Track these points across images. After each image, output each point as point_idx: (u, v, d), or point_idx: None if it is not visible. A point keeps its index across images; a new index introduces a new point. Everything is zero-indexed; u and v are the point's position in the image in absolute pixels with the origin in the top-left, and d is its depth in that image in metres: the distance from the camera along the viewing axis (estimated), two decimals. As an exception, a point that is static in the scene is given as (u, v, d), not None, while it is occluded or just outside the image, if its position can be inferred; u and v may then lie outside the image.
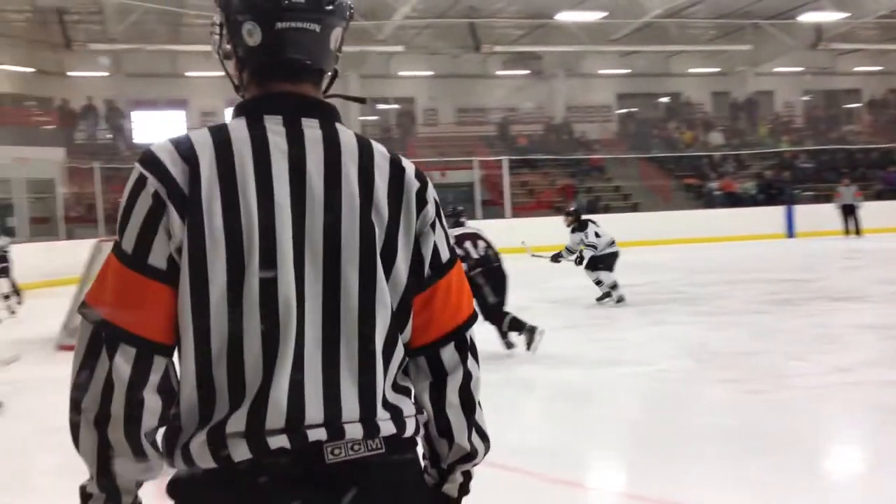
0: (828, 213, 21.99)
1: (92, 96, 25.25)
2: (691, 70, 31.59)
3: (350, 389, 1.29)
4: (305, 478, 1.26)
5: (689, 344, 7.94)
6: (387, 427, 1.31)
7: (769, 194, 24.50)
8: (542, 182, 25.85)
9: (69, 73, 25.91)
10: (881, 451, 4.70)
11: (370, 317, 1.31)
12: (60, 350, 8.82)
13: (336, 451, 1.26)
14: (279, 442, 1.24)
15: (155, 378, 1.27)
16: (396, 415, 1.33)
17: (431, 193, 1.40)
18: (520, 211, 23.24)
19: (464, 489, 1.51)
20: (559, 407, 6.07)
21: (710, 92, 32.47)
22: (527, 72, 30.34)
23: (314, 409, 1.26)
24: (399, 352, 1.36)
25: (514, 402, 6.07)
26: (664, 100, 32.45)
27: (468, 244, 7.92)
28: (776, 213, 22.56)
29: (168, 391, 1.28)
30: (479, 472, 1.56)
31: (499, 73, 30.21)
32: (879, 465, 4.50)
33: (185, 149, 1.30)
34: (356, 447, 1.28)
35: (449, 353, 1.41)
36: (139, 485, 1.34)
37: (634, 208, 24.74)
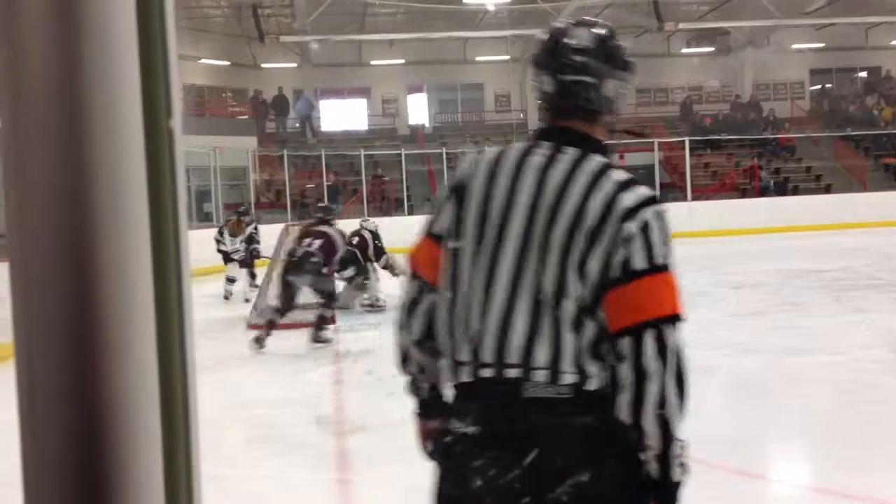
0: None
1: (282, 87, 26.49)
2: (894, 42, 29.44)
3: (543, 347, 1.70)
4: (509, 402, 1.72)
5: (889, 334, 7.48)
6: (568, 378, 1.69)
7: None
8: (725, 163, 24.94)
9: (262, 65, 27.31)
10: None
11: (561, 299, 1.71)
12: (251, 329, 9.34)
13: (532, 389, 1.70)
14: (487, 373, 1.74)
15: (424, 306, 1.89)
16: (580, 371, 1.70)
17: (642, 216, 1.72)
18: (701, 193, 22.55)
19: (665, 480, 1.78)
20: (741, 396, 5.86)
21: (914, 65, 30.19)
22: (712, 49, 29.25)
23: (514, 355, 1.71)
24: (589, 328, 1.71)
25: (693, 390, 5.92)
26: (862, 74, 30.46)
27: None
28: None
29: (429, 316, 1.88)
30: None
31: (683, 51, 29.29)
32: None
33: (477, 159, 1.88)
34: (547, 389, 1.70)
35: (624, 345, 1.69)
36: (425, 376, 1.94)
37: (827, 190, 23.44)
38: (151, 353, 0.54)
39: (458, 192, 1.84)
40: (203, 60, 26.21)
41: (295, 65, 27.22)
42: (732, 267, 12.87)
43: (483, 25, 25.63)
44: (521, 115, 28.61)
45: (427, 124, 28.74)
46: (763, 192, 23.24)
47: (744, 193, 23.14)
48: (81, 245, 0.52)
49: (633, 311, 1.69)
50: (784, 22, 25.20)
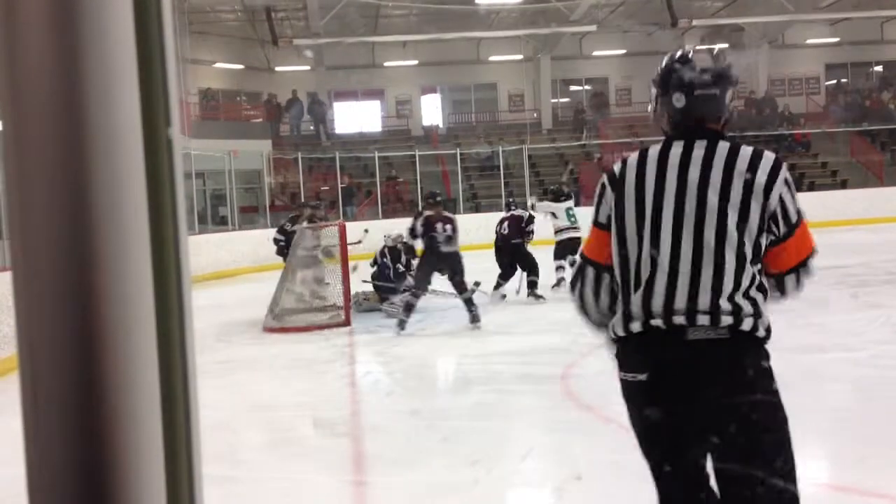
0: None
1: (296, 90, 26.55)
2: (909, 35, 29.25)
3: (705, 295, 2.14)
4: (675, 347, 2.16)
5: (905, 330, 7.44)
6: (727, 319, 2.13)
7: None
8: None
9: (276, 69, 27.39)
10: None
11: (721, 252, 2.15)
12: (266, 332, 9.38)
13: (694, 333, 2.14)
14: (657, 322, 2.17)
15: (604, 283, 2.38)
16: (737, 312, 2.14)
17: (783, 174, 2.22)
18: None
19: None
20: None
21: (931, 58, 29.95)
22: (726, 45, 29.10)
23: (680, 304, 2.15)
24: (748, 273, 2.17)
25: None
26: (878, 69, 30.24)
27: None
28: None
29: (611, 291, 2.38)
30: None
31: (697, 47, 29.13)
32: None
33: (626, 159, 2.34)
34: (707, 331, 2.13)
35: (790, 279, 2.31)
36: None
37: (843, 185, 23.28)
38: (153, 356, 0.55)
39: (615, 186, 2.33)
40: (217, 64, 26.33)
41: (308, 68, 27.30)
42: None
43: (496, 25, 25.61)
44: (535, 115, 28.58)
45: (441, 125, 28.76)
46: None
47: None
48: (82, 251, 0.52)
49: (795, 256, 2.28)
50: (798, 17, 25.08)
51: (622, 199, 2.28)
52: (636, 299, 2.20)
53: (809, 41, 29.11)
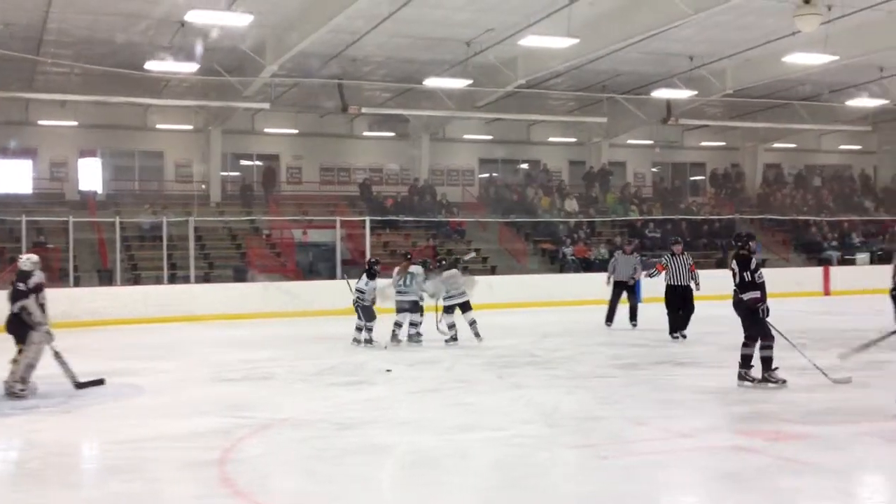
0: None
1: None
2: (550, 139, 32.70)
3: None
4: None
5: (543, 408, 8.05)
6: None
7: (620, 260, 25.35)
8: (403, 243, 25.97)
9: None
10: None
11: None
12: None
13: None
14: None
15: None
16: None
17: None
18: (384, 271, 23.20)
19: None
20: (414, 474, 6.00)
21: (566, 160, 33.62)
22: (392, 134, 30.65)
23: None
24: None
25: (368, 470, 5.96)
26: (524, 166, 33.38)
27: None
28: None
29: None
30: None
31: (365, 133, 30.41)
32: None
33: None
34: None
35: None
36: None
37: (493, 271, 25.15)
38: None
39: None
40: None
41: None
42: (409, 346, 13.31)
43: (165, 93, 24.91)
44: (203, 187, 27.99)
45: (100, 191, 27.20)
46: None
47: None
48: None
49: None
50: (457, 114, 27.08)
51: None
52: None
53: (466, 136, 31.51)
